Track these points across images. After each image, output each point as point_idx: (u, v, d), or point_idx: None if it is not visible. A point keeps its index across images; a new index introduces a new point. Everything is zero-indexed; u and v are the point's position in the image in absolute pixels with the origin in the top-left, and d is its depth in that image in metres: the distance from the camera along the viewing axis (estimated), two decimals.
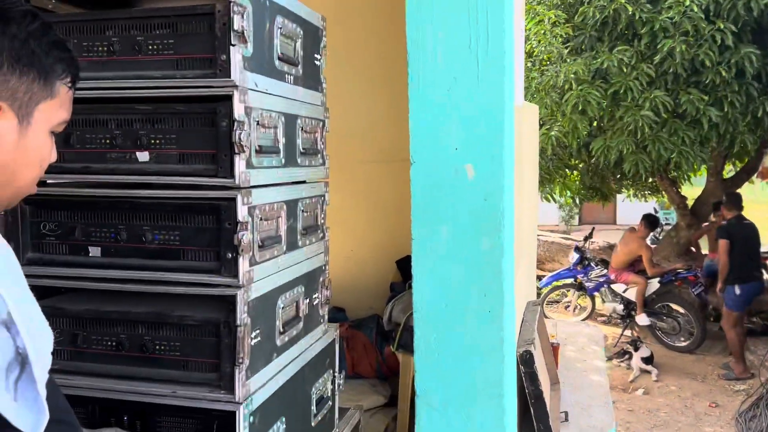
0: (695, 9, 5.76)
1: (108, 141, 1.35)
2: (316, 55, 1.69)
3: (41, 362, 0.86)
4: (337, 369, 1.88)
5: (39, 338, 0.86)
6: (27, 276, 1.40)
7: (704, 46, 5.83)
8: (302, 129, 1.58)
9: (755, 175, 7.85)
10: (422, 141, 1.72)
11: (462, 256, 1.72)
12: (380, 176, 3.56)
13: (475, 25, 1.66)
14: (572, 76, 6.27)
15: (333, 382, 1.84)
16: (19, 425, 0.82)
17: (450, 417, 1.79)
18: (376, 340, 3.48)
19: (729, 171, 8.49)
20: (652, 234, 9.08)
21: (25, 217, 1.40)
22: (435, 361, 1.79)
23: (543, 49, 6.61)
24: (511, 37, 1.76)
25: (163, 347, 1.36)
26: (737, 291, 6.35)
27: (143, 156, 1.34)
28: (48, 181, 1.43)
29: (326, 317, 1.80)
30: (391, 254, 3.59)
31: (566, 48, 6.59)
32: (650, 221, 7.58)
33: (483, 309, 1.73)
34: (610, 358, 6.98)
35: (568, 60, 6.48)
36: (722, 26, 5.75)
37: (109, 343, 1.39)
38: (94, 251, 1.38)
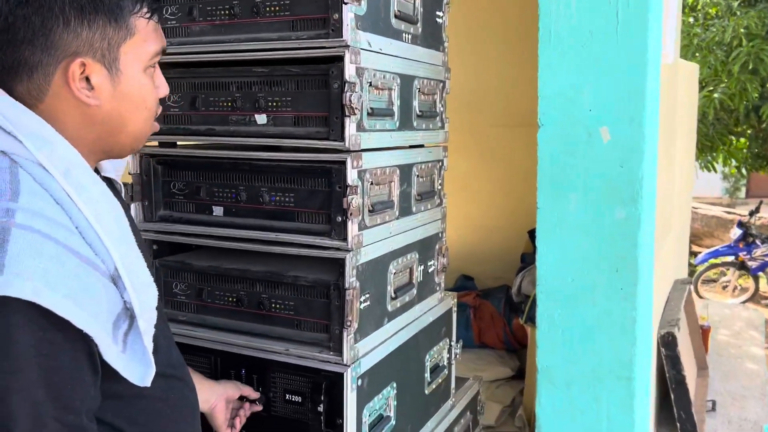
0: None
1: (229, 104, 1.39)
2: (438, 12, 1.61)
3: (146, 316, 0.89)
4: (454, 338, 1.84)
5: (144, 293, 0.89)
6: (158, 232, 1.50)
7: None
8: (419, 90, 1.52)
9: None
10: (552, 102, 1.59)
11: (592, 227, 1.59)
12: (513, 141, 3.40)
13: None
14: (742, 30, 5.58)
15: (449, 351, 1.81)
16: (128, 376, 0.87)
17: (573, 396, 1.69)
18: (504, 311, 3.39)
19: None
20: None
21: (157, 176, 1.49)
22: (559, 338, 1.69)
23: (708, 1, 5.93)
24: None
25: (278, 306, 1.40)
26: None
27: (261, 118, 1.36)
28: (177, 143, 1.51)
29: (443, 285, 1.76)
30: (523, 224, 3.45)
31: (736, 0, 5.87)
32: None
33: (614, 285, 1.60)
34: None
35: (739, 13, 5.76)
36: None
37: (230, 299, 1.45)
38: (217, 210, 1.44)
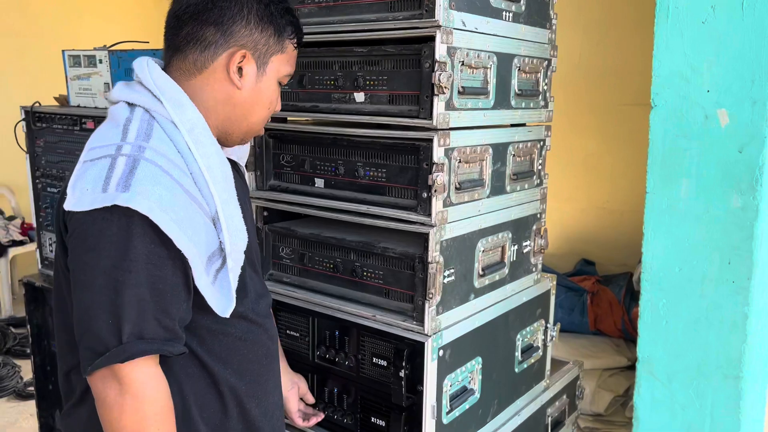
0: None
1: (332, 82, 1.48)
2: None
3: (234, 255, 1.07)
4: (551, 320, 1.82)
5: (235, 236, 1.07)
6: (268, 200, 1.64)
7: None
8: (519, 69, 1.51)
9: None
10: (667, 81, 1.53)
11: (704, 216, 1.52)
12: (643, 121, 3.20)
13: None
14: None
15: (545, 333, 1.80)
16: (212, 305, 1.05)
17: (675, 391, 1.63)
18: (624, 299, 3.26)
19: None
20: None
21: (269, 148, 1.62)
22: (662, 329, 1.64)
23: None
24: None
25: (368, 274, 1.48)
26: None
27: (360, 96, 1.43)
28: (287, 118, 1.63)
29: (539, 266, 1.74)
30: None
31: None
32: None
33: (725, 278, 1.52)
34: None
35: None
36: None
37: (328, 265, 1.56)
38: (319, 182, 1.54)
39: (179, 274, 1.00)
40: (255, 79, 1.12)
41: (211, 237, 1.04)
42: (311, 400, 1.54)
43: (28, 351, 3.62)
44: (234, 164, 1.26)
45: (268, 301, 1.27)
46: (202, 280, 1.02)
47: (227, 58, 1.08)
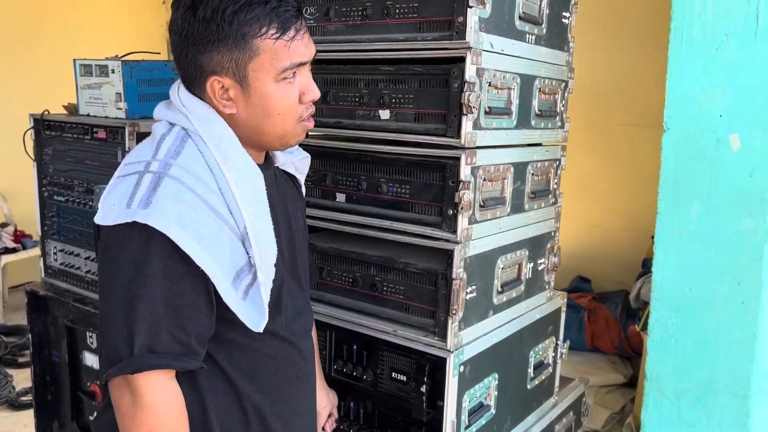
0: None
1: (357, 99, 1.50)
2: (564, 13, 1.62)
3: (264, 269, 1.06)
4: (561, 337, 1.85)
5: (265, 249, 1.06)
6: None
7: None
8: (540, 90, 1.55)
9: None
10: (680, 105, 1.56)
11: (715, 237, 1.55)
12: (641, 141, 3.28)
13: None
14: None
15: (555, 350, 1.82)
16: (244, 320, 1.05)
17: (682, 408, 1.66)
18: (620, 317, 3.30)
19: None
20: None
21: None
22: (671, 347, 1.67)
23: None
24: None
25: (389, 289, 1.49)
26: None
27: (385, 114, 1.46)
28: (309, 133, 1.64)
29: (552, 284, 1.77)
30: (647, 227, 3.30)
31: None
32: None
33: (734, 298, 1.55)
34: None
35: None
36: None
37: (348, 279, 1.57)
38: (340, 197, 1.56)
39: (200, 290, 1.00)
40: (243, 96, 1.06)
41: (238, 253, 1.04)
42: (335, 416, 1.53)
43: (20, 360, 3.58)
44: (292, 178, 1.27)
45: (307, 320, 1.25)
46: (230, 296, 1.03)
47: (210, 90, 1.06)
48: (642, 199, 3.36)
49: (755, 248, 1.50)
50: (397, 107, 1.44)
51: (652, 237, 3.51)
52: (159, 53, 2.29)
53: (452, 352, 1.37)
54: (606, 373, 3.19)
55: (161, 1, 5.23)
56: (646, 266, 3.24)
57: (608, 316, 3.31)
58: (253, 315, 1.06)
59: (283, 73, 1.06)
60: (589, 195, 3.41)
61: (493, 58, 1.36)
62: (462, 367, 1.40)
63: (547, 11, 1.54)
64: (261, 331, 1.07)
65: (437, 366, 1.38)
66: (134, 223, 0.96)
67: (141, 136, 1.91)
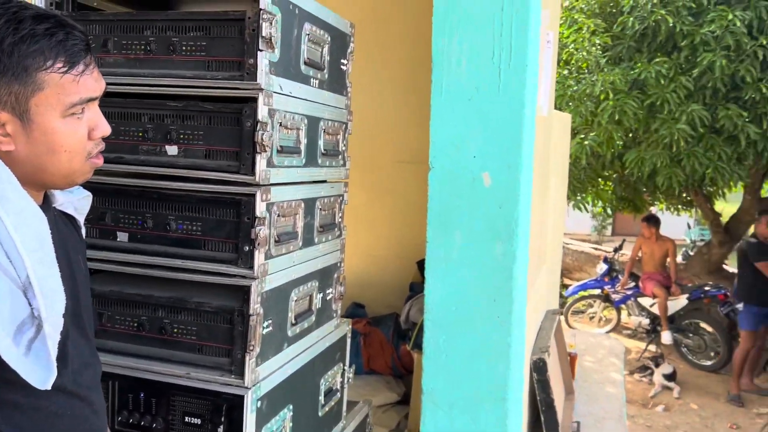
0: (738, 23, 5.65)
1: (141, 134, 1.44)
2: (342, 60, 1.75)
3: (52, 320, 0.96)
4: (347, 363, 1.94)
5: (51, 299, 0.96)
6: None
7: (746, 61, 5.72)
8: (324, 131, 1.64)
9: None
10: (442, 147, 1.76)
11: (474, 262, 1.76)
12: (406, 177, 3.61)
13: (499, 38, 1.70)
14: (609, 85, 6.21)
15: (342, 376, 1.91)
16: (28, 378, 0.93)
17: (454, 417, 1.84)
18: (392, 338, 3.53)
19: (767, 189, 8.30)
20: (684, 249, 8.94)
21: None
22: (443, 362, 1.84)
23: (581, 57, 6.56)
24: (536, 51, 1.79)
25: (180, 331, 1.44)
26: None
27: (172, 150, 1.42)
28: None
29: (339, 312, 1.87)
30: (412, 254, 3.64)
31: (604, 57, 6.53)
32: (652, 220, 7.61)
33: (491, 314, 1.77)
34: (632, 373, 6.90)
35: (606, 69, 6.41)
36: (765, 42, 5.63)
37: (131, 324, 1.48)
38: (122, 236, 1.47)
39: None
40: (24, 132, 0.97)
41: (19, 304, 0.93)
42: None
43: None
44: (71, 219, 1.16)
45: (96, 371, 1.15)
46: (11, 352, 0.91)
47: None
48: (409, 229, 3.68)
49: (506, 270, 1.74)
50: (186, 143, 1.42)
51: (418, 263, 3.84)
52: None
53: (250, 388, 1.37)
54: (382, 393, 3.38)
55: None
56: (414, 289, 3.53)
57: (382, 339, 3.52)
58: (38, 371, 0.95)
59: (72, 108, 0.99)
60: (362, 227, 3.62)
61: (283, 100, 1.42)
62: (259, 402, 1.40)
63: (328, 58, 1.65)
64: (48, 388, 0.96)
65: (234, 405, 1.36)
66: None
67: None
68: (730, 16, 5.68)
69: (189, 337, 1.44)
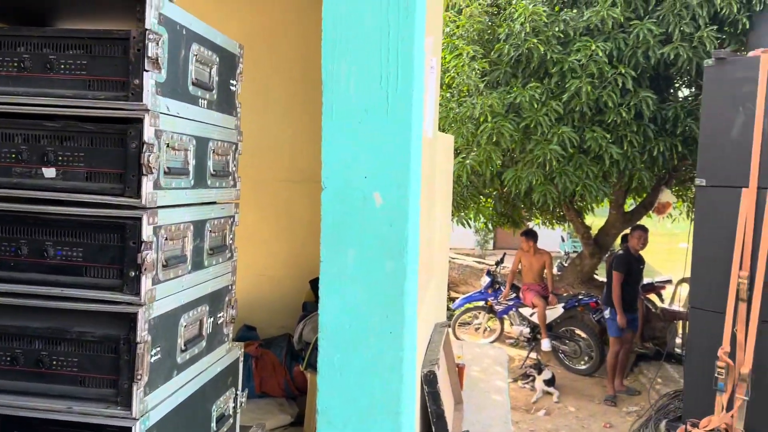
0: (600, 53, 6.18)
1: (13, 156, 1.36)
2: (231, 81, 1.75)
3: None
4: (239, 387, 1.91)
5: None
6: None
7: (608, 88, 6.26)
8: (214, 151, 1.63)
9: (652, 210, 8.43)
10: (334, 168, 1.79)
11: (366, 279, 1.80)
12: (297, 196, 3.61)
13: (386, 63, 1.76)
14: (488, 108, 6.55)
15: (235, 401, 1.87)
16: None
17: None
18: (285, 360, 3.50)
19: (630, 204, 9.07)
20: (558, 261, 9.57)
21: None
22: (337, 380, 1.85)
23: (462, 81, 6.87)
24: (421, 76, 1.87)
25: (60, 363, 1.36)
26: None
27: (50, 172, 1.35)
28: None
29: (230, 336, 1.83)
30: (305, 273, 3.63)
31: (483, 82, 6.89)
32: (530, 234, 8.12)
33: (384, 329, 1.81)
34: (515, 380, 7.26)
35: (485, 93, 6.77)
36: (623, 71, 6.19)
37: (4, 358, 1.37)
38: None
39: None
40: None
41: None
42: None
43: None
44: None
45: None
46: None
47: None
48: (302, 248, 3.68)
49: (398, 285, 1.80)
50: (65, 165, 1.35)
51: (311, 282, 3.84)
52: None
53: (138, 419, 1.32)
54: (275, 416, 3.33)
55: None
56: (307, 309, 3.52)
57: (274, 361, 3.48)
58: None
59: None
60: (253, 247, 3.57)
61: (170, 120, 1.39)
62: None
63: (217, 78, 1.64)
64: None
65: None
66: None
67: None
68: (593, 47, 6.20)
69: (70, 369, 1.36)
